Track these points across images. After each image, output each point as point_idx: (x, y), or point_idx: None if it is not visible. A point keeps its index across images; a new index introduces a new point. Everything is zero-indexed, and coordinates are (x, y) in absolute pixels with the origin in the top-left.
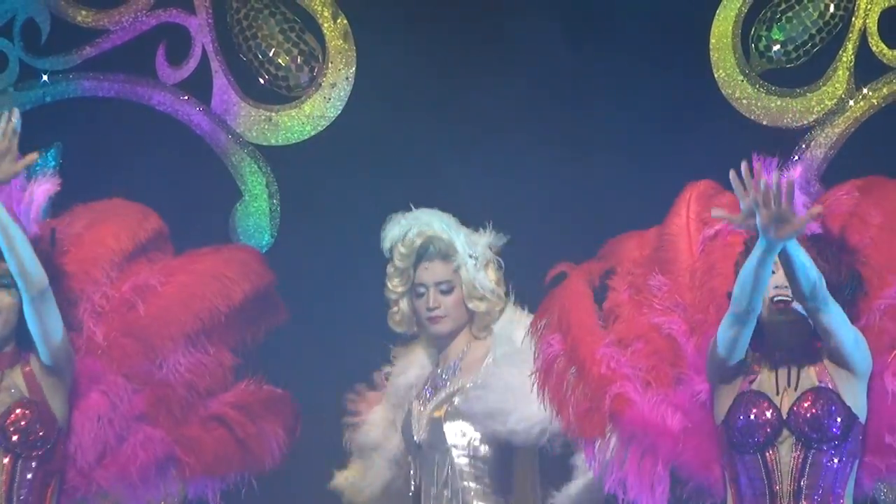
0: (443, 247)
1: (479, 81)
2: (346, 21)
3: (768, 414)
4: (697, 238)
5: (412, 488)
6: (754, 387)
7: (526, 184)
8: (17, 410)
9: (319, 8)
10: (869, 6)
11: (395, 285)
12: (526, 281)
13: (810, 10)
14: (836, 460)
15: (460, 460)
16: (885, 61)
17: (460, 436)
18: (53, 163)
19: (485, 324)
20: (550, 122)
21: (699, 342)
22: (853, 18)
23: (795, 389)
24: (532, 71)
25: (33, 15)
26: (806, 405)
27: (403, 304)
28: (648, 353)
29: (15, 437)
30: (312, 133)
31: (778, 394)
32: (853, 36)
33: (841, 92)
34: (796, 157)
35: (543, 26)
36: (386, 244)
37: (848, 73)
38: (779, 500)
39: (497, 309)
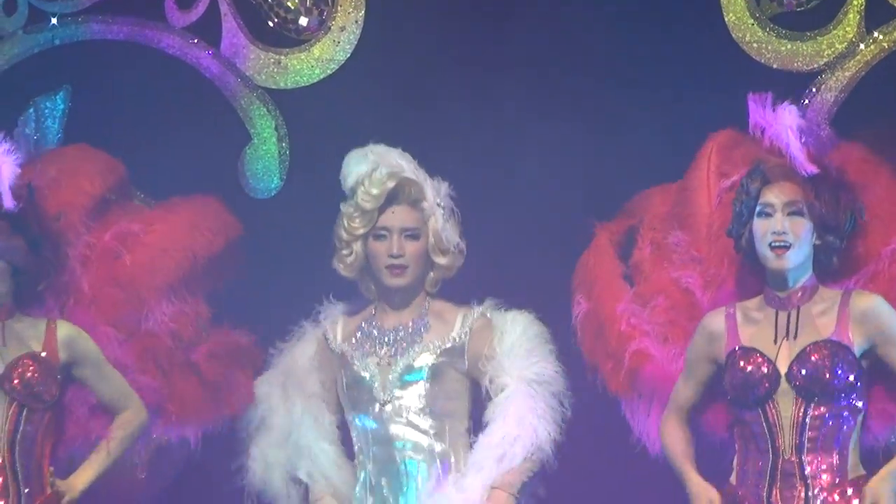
0: (414, 192)
1: (489, 25)
2: None
3: (764, 369)
4: (716, 191)
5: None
6: (745, 340)
7: (534, 127)
8: (25, 362)
9: None
10: None
11: (355, 227)
12: (535, 226)
13: None
14: (840, 413)
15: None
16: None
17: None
18: (62, 105)
19: (440, 278)
20: (559, 66)
21: (714, 296)
22: None
23: (795, 338)
24: (540, 14)
25: None
26: (805, 359)
27: (358, 247)
28: (667, 307)
29: (20, 388)
30: (322, 76)
31: (776, 342)
32: None
33: (851, 35)
34: (806, 101)
35: None
36: (350, 181)
37: (858, 17)
38: (781, 455)
39: (457, 265)
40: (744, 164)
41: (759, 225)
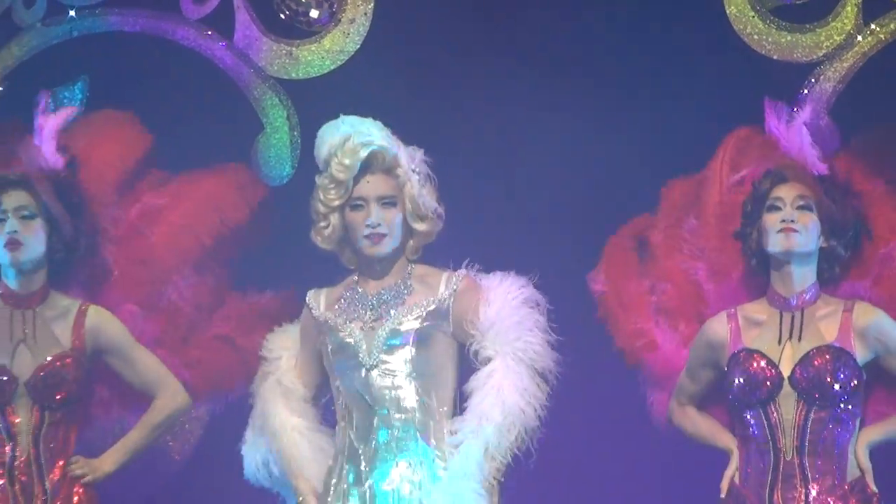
0: (387, 159)
1: (497, 15)
2: None
3: (767, 371)
4: (727, 183)
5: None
6: (748, 343)
7: (542, 116)
8: (56, 364)
9: None
10: None
11: (330, 198)
12: (541, 213)
13: None
14: (841, 417)
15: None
16: None
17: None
18: (80, 96)
19: (420, 245)
20: (564, 58)
21: (720, 287)
22: None
23: (800, 340)
24: (546, 6)
25: None
26: (808, 363)
27: (335, 219)
28: (674, 296)
29: (45, 392)
30: (332, 67)
31: (780, 343)
32: None
33: (849, 27)
34: (806, 91)
35: None
36: (323, 152)
37: (856, 9)
38: (782, 456)
39: (436, 230)
40: (757, 159)
41: (768, 219)
